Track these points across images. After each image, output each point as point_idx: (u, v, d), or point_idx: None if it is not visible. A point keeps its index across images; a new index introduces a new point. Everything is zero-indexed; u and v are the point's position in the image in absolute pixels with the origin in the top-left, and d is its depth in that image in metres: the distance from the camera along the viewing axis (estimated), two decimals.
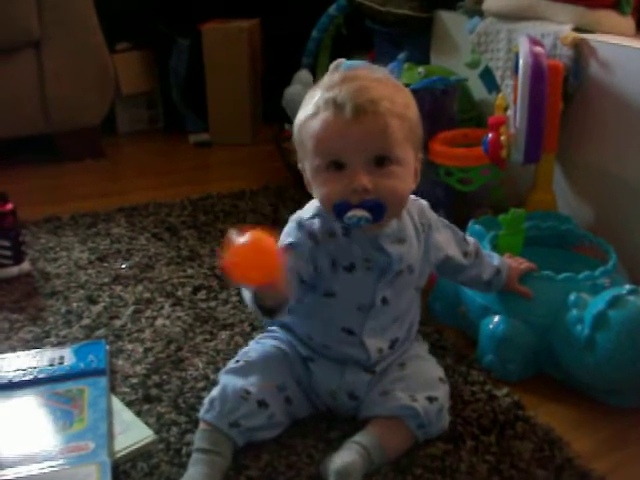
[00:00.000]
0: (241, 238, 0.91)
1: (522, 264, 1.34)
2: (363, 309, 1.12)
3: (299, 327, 1.18)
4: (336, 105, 1.01)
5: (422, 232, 1.16)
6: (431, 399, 1.10)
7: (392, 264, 1.10)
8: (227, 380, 1.12)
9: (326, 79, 1.07)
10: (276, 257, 0.92)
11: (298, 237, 1.09)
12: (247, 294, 1.04)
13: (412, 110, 1.08)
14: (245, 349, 1.21)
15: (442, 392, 1.13)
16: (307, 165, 1.08)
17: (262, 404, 1.09)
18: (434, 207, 1.69)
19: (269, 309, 1.03)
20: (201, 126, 2.75)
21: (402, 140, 1.04)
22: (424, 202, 1.20)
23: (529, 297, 1.30)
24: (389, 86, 1.07)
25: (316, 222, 1.10)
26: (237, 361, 1.16)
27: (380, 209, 1.03)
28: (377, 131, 1.01)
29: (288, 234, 1.11)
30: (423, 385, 1.12)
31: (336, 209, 1.03)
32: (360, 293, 1.11)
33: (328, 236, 1.10)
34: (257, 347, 1.20)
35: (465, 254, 1.25)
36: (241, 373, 1.13)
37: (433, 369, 1.18)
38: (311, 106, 1.05)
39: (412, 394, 1.09)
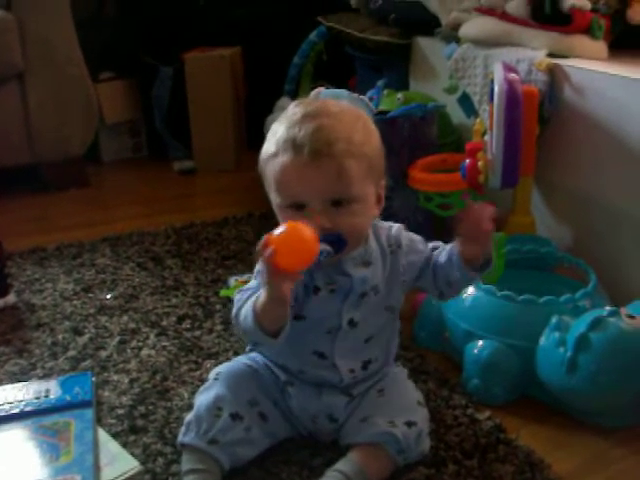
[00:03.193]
0: (281, 228, 0.99)
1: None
2: (332, 332, 1.14)
3: (274, 356, 1.21)
4: (295, 147, 1.04)
5: (389, 254, 1.17)
6: (410, 424, 1.12)
7: (354, 286, 1.13)
8: (199, 400, 1.16)
9: (289, 113, 1.10)
10: (314, 243, 0.99)
11: None
12: (249, 319, 1.08)
13: (372, 145, 1.10)
14: (216, 367, 1.24)
15: (421, 416, 1.15)
16: (271, 198, 1.12)
17: (236, 417, 1.12)
18: (415, 232, 1.72)
19: (269, 332, 1.07)
20: (185, 153, 2.76)
21: (359, 178, 1.06)
22: (396, 225, 1.21)
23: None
24: (348, 122, 1.08)
25: None
26: (207, 380, 1.20)
27: (340, 243, 1.07)
28: (332, 175, 1.04)
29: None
30: (402, 410, 1.14)
31: None
32: (327, 315, 1.14)
33: None
34: (227, 364, 1.24)
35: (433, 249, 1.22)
36: (210, 390, 1.16)
37: (411, 394, 1.20)
38: (273, 144, 1.08)
39: (391, 420, 1.11)
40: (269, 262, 0.98)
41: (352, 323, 1.14)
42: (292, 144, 1.04)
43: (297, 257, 0.99)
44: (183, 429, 1.13)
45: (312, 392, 1.18)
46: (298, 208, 1.07)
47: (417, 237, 1.22)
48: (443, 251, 1.19)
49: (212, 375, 1.21)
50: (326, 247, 1.05)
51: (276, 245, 0.98)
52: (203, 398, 1.15)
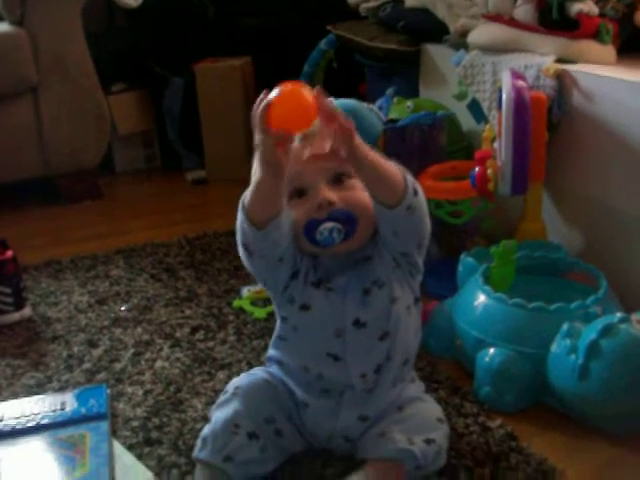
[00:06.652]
0: (278, 89, 0.95)
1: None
2: (341, 334, 1.13)
3: (292, 360, 1.19)
4: None
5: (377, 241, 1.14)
6: (429, 441, 1.10)
7: (351, 283, 1.12)
8: (217, 415, 1.14)
9: None
10: (312, 103, 0.94)
11: None
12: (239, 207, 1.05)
13: None
14: (234, 380, 1.22)
15: (440, 433, 1.13)
16: None
17: (253, 436, 1.11)
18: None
19: (258, 224, 1.04)
20: (197, 163, 2.78)
21: None
22: None
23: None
24: None
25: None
26: (225, 392, 1.18)
27: (351, 220, 1.06)
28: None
29: None
30: (421, 427, 1.12)
31: (307, 230, 1.07)
32: (331, 314, 1.12)
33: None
34: (245, 378, 1.22)
35: None
36: (229, 405, 1.15)
37: (431, 410, 1.18)
38: None
39: (410, 437, 1.09)
40: (263, 116, 0.95)
41: (358, 323, 1.12)
42: None
43: (294, 115, 0.95)
44: (199, 444, 1.13)
45: (328, 415, 1.17)
46: (300, 195, 1.08)
47: None
48: None
49: (230, 389, 1.18)
50: (335, 224, 1.05)
51: (273, 100, 0.94)
52: (221, 413, 1.14)
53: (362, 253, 1.13)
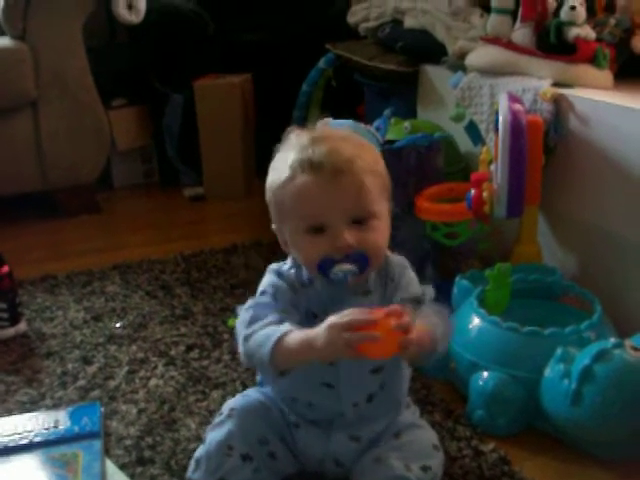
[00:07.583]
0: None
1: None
2: (334, 363, 1.12)
3: (283, 390, 1.19)
4: (313, 167, 1.05)
5: (385, 283, 1.16)
6: (425, 468, 1.09)
7: None
8: (211, 437, 1.14)
9: (294, 141, 1.11)
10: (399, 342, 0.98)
11: (279, 284, 1.13)
12: (265, 349, 1.04)
13: (381, 164, 1.14)
14: (229, 401, 1.22)
15: (436, 461, 1.13)
16: (286, 227, 1.11)
17: (246, 458, 1.11)
18: (422, 261, 1.73)
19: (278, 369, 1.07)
20: (195, 180, 2.79)
21: (377, 195, 1.09)
22: (399, 258, 1.20)
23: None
24: (355, 145, 1.12)
25: (292, 273, 1.15)
26: (220, 414, 1.18)
27: (365, 261, 1.07)
28: (353, 191, 1.06)
29: (269, 283, 1.15)
30: (418, 454, 1.12)
31: (321, 267, 1.07)
32: None
33: (301, 286, 1.14)
34: (240, 399, 1.21)
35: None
36: (223, 426, 1.14)
37: (428, 437, 1.18)
38: (286, 169, 1.08)
39: (407, 463, 1.09)
40: (357, 347, 0.97)
41: None
42: (309, 165, 1.05)
43: (382, 351, 0.99)
44: (193, 465, 1.13)
45: (319, 436, 1.16)
46: (317, 231, 1.07)
47: (414, 279, 1.19)
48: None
49: (225, 410, 1.17)
50: (351, 267, 1.06)
51: (373, 339, 0.97)
52: (215, 435, 1.13)
53: (363, 287, 1.14)
